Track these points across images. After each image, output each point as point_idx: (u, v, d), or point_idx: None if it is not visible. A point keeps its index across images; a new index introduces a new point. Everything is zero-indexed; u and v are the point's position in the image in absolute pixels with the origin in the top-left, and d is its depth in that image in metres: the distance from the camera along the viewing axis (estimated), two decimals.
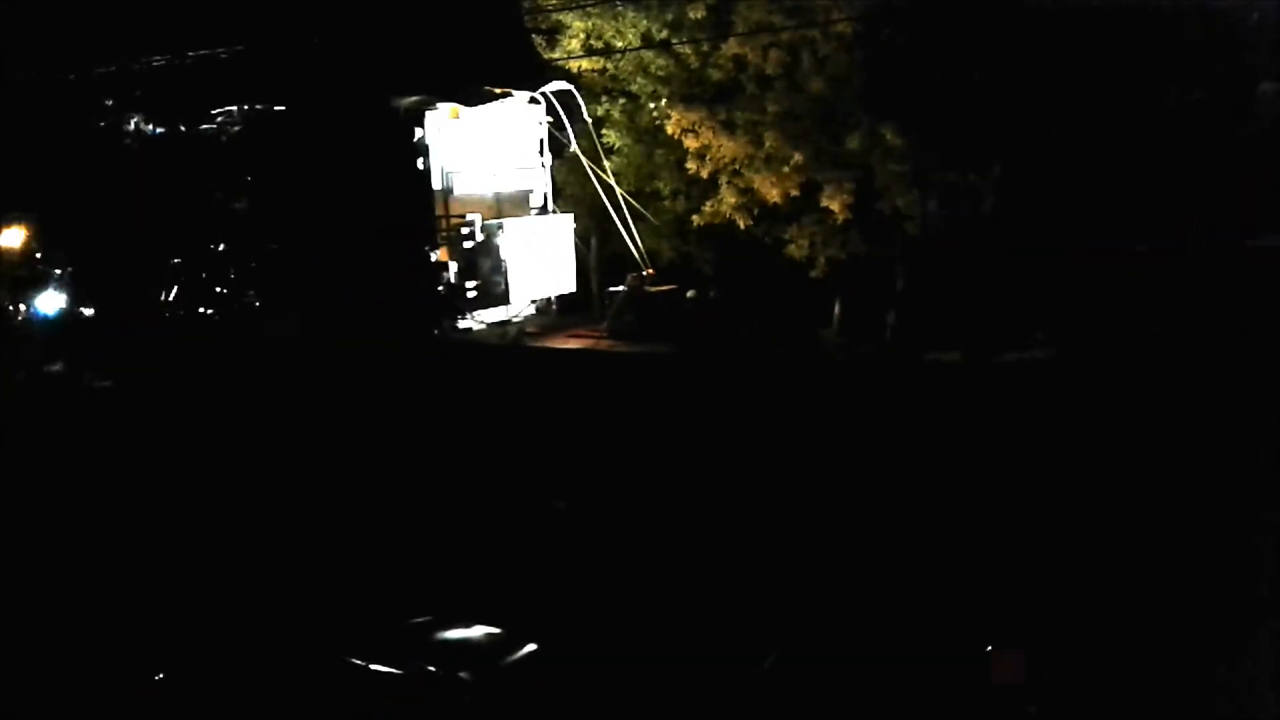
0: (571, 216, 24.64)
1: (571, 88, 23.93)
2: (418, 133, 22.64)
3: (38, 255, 29.44)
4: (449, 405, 20.54)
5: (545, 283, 23.81)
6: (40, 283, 28.67)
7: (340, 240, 23.65)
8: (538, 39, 24.08)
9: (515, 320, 24.50)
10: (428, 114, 22.74)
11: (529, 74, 24.42)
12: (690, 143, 21.46)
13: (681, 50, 22.18)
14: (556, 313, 24.93)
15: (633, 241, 23.24)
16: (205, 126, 26.66)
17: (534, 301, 24.73)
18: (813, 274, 21.18)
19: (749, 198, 21.17)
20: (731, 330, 20.64)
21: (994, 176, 19.35)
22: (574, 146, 23.75)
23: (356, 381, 21.91)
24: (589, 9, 22.85)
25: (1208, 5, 18.13)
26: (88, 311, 28.15)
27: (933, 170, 19.81)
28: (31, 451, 19.55)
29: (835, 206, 20.22)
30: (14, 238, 29.23)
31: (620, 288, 22.35)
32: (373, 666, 10.37)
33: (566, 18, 23.43)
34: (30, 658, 12.30)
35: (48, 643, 12.64)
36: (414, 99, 23.36)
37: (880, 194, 20.14)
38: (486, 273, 23.26)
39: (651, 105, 22.79)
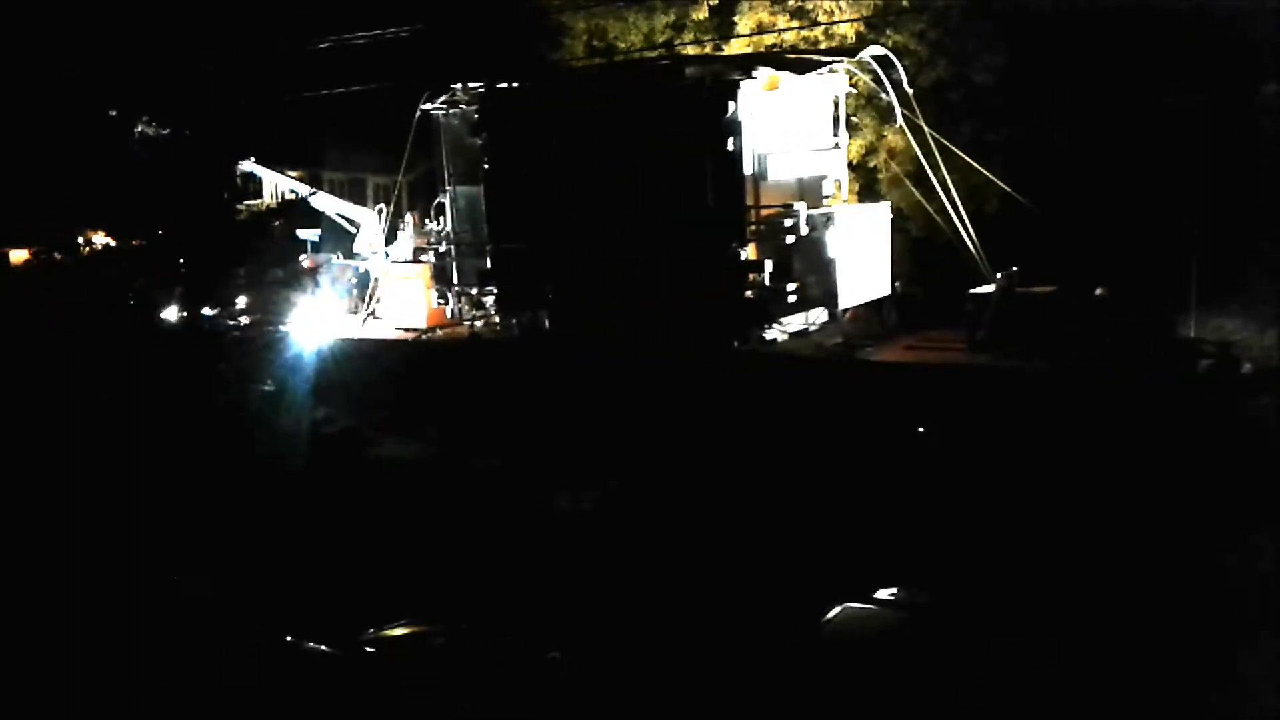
0: (888, 205, 21.00)
1: (891, 55, 20.29)
2: (729, 108, 18.99)
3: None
4: (790, 439, 16.99)
5: (867, 283, 20.13)
6: None
7: (622, 237, 20.27)
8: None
9: (812, 328, 20.87)
10: (742, 85, 19.07)
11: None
12: None
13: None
14: (850, 319, 21.22)
15: (968, 235, 19.57)
16: (428, 107, 23.27)
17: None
18: None
19: None
20: (1137, 342, 16.94)
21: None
22: (900, 122, 20.09)
23: (665, 406, 18.49)
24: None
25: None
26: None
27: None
28: None
29: None
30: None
31: (984, 289, 18.61)
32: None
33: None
34: None
35: None
36: (717, 67, 19.77)
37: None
38: (802, 272, 19.64)
39: None
